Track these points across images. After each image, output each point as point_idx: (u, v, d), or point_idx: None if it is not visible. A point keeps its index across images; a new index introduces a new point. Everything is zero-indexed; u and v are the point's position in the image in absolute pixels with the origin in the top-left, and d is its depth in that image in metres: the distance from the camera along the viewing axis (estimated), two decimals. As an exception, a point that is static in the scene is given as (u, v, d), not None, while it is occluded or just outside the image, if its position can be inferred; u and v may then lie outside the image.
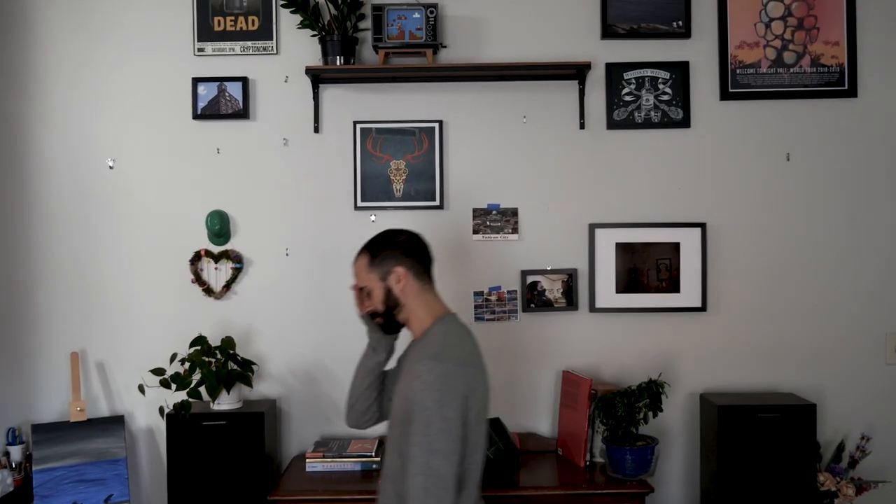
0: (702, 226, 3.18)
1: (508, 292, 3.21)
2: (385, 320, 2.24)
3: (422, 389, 1.96)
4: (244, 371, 3.00)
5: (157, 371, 2.93)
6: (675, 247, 3.18)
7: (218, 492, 2.88)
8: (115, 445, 3.09)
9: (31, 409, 3.20)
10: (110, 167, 3.20)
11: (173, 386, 2.88)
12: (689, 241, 3.18)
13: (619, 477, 2.78)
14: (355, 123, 3.19)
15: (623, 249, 3.19)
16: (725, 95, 3.18)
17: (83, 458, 3.04)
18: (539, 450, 3.15)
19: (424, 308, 2.19)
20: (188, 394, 2.88)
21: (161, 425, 3.00)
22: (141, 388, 2.92)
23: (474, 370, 2.08)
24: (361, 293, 2.27)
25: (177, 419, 2.88)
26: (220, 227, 3.14)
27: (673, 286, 3.18)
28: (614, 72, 3.19)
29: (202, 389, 2.91)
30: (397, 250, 2.18)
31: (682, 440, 3.21)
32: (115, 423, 3.13)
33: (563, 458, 3.07)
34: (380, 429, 3.16)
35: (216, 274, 3.19)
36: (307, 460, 2.95)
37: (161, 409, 2.90)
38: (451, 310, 2.26)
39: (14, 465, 3.06)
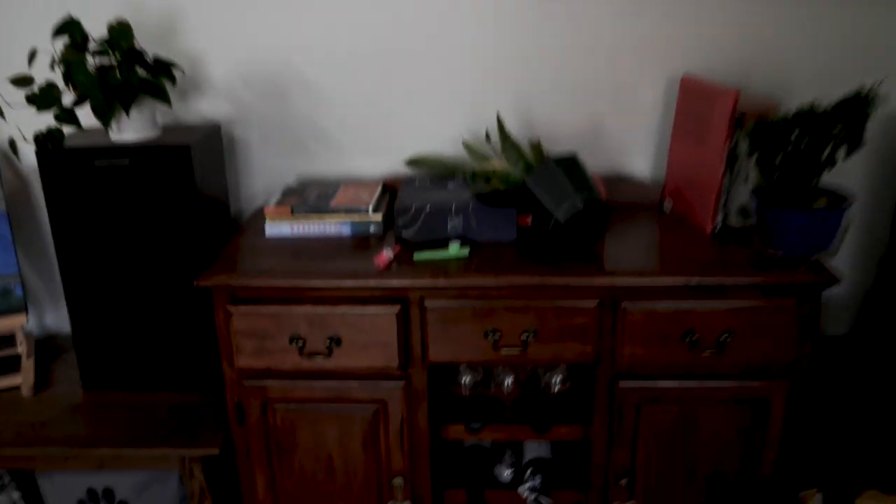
0: None
1: (595, -58, 1.89)
2: None
3: None
4: (156, 79, 1.82)
5: (22, 80, 1.78)
6: None
7: (131, 270, 1.85)
8: (-15, 192, 2.04)
9: None
10: None
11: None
12: None
13: (779, 254, 1.65)
14: None
15: None
16: None
17: (-63, 212, 2.01)
18: (634, 201, 2.01)
19: None
20: (56, 116, 1.75)
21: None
22: (-2, 109, 1.79)
23: None
24: None
25: (50, 155, 1.78)
26: None
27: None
28: None
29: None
30: None
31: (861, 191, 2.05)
32: (-17, 158, 2.05)
33: (674, 216, 1.95)
34: (387, 165, 2.08)
35: (103, -87, 1.91)
36: (267, 220, 1.86)
37: (11, 142, 1.79)
38: None
39: None
